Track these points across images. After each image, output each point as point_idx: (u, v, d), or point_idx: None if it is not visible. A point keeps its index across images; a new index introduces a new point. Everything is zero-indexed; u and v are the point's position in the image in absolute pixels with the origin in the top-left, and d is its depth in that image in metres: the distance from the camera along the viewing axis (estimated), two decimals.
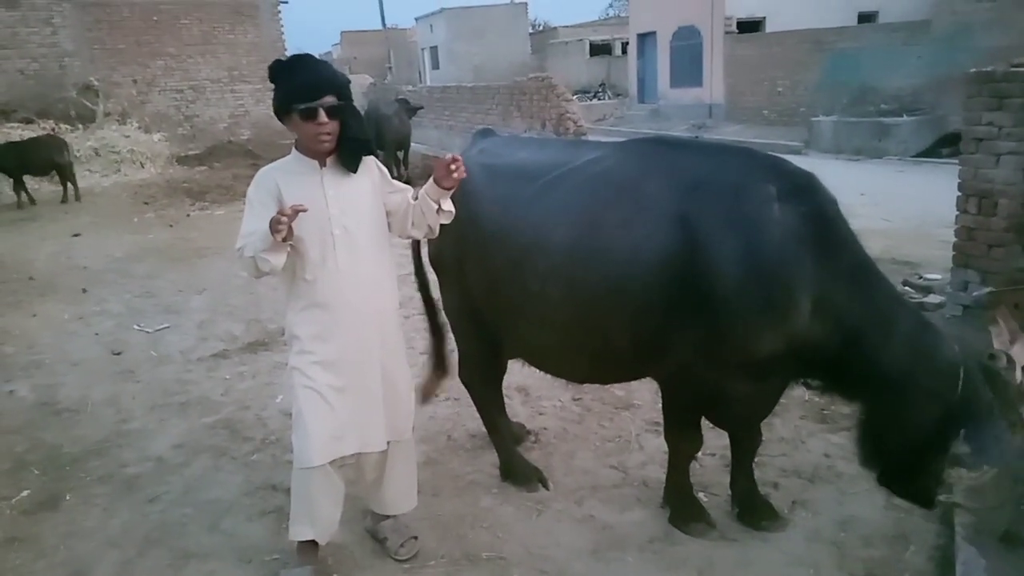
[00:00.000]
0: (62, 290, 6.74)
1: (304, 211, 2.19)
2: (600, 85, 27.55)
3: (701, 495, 2.93)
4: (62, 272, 7.44)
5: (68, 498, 3.22)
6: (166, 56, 18.54)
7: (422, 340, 4.89)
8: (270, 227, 2.15)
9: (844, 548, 2.63)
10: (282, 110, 2.37)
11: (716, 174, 2.33)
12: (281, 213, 2.14)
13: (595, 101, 24.92)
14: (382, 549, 2.74)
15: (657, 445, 3.36)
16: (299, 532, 2.53)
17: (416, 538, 2.75)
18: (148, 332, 5.46)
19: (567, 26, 34.15)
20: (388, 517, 2.77)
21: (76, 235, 9.33)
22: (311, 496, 2.49)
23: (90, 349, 5.15)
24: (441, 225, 2.50)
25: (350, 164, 2.43)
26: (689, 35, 19.72)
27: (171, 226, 9.76)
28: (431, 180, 2.41)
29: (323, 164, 2.42)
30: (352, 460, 2.60)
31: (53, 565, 2.76)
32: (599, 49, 29.86)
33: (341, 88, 2.36)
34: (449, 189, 2.39)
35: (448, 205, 2.45)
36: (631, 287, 2.33)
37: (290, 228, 2.17)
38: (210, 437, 3.73)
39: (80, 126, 16.39)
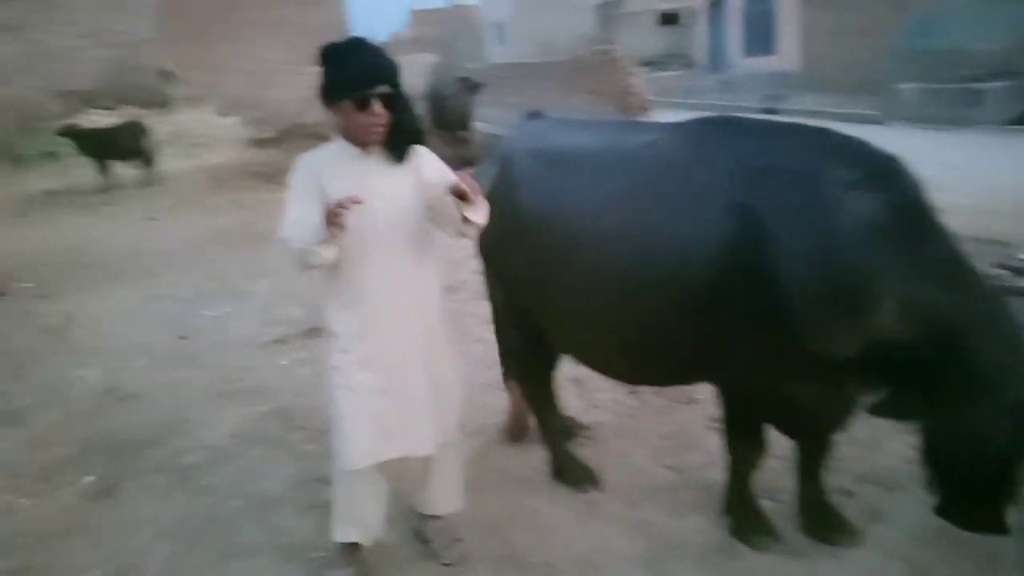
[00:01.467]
0: (135, 273, 6.95)
1: (360, 203, 2.07)
2: (669, 55, 26.71)
3: (765, 501, 2.74)
4: (136, 255, 7.67)
5: (126, 486, 3.27)
6: (239, 39, 18.90)
7: (477, 326, 4.82)
8: (327, 219, 2.04)
9: (925, 567, 2.40)
10: (331, 98, 2.24)
11: (783, 159, 2.10)
12: (339, 204, 2.01)
13: (663, 72, 24.16)
14: (427, 551, 2.67)
15: (719, 444, 3.16)
16: (342, 533, 2.49)
17: (461, 540, 2.66)
18: (213, 316, 5.56)
19: None
20: (434, 517, 2.69)
21: (151, 218, 9.66)
22: (353, 498, 2.43)
23: (157, 334, 5.27)
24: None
25: (398, 155, 2.31)
26: (763, 0, 18.83)
27: (242, 209, 9.97)
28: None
29: (367, 152, 2.31)
30: (397, 459, 2.52)
31: (107, 556, 2.80)
32: (668, 18, 28.88)
33: (395, 76, 2.23)
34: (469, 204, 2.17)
35: (475, 216, 2.23)
36: (684, 285, 2.15)
37: None
38: (265, 426, 3.74)
39: (157, 111, 16.97)
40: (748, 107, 15.59)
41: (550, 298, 2.58)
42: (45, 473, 3.42)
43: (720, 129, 2.31)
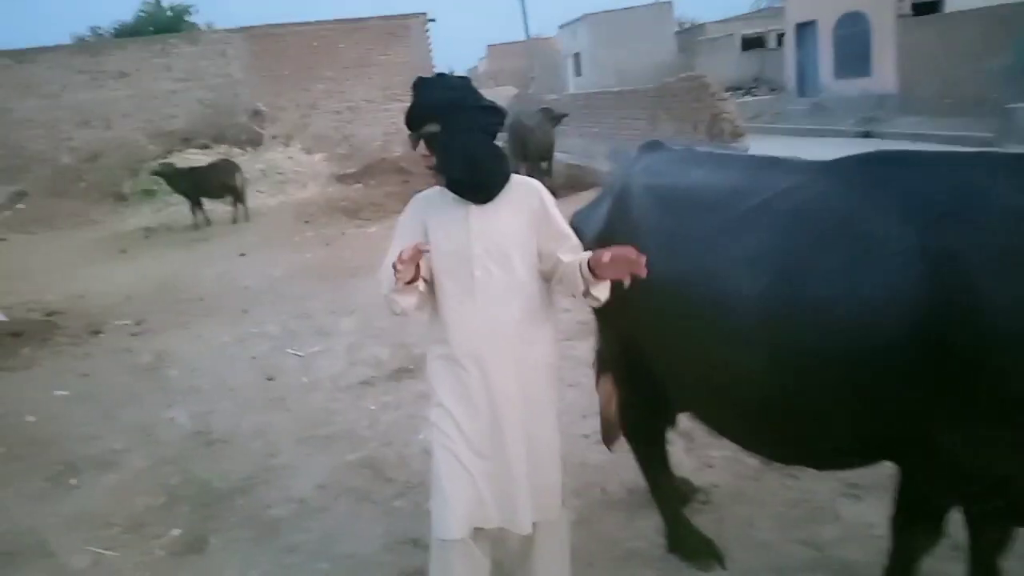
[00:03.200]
0: (225, 310, 7.04)
1: (426, 251, 2.00)
2: (753, 80, 26.08)
3: None
4: (227, 292, 7.81)
5: (213, 541, 3.14)
6: (325, 79, 19.54)
7: (572, 369, 4.53)
8: (394, 270, 1.96)
9: None
10: None
11: (972, 194, 1.74)
12: (400, 257, 1.93)
13: (748, 98, 23.55)
14: None
15: (858, 515, 2.78)
16: None
17: None
18: (300, 356, 5.50)
19: (716, 21, 32.67)
20: None
21: (242, 255, 9.86)
22: (449, 572, 2.19)
23: (246, 374, 5.24)
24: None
25: (470, 198, 2.11)
26: (855, 22, 18.06)
27: (327, 244, 10.08)
28: (589, 256, 2.01)
29: None
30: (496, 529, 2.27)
31: None
32: (751, 43, 28.30)
33: (447, 112, 2.06)
34: (602, 279, 2.00)
35: (600, 293, 2.05)
36: (859, 354, 1.78)
37: (417, 269, 2.01)
38: (353, 477, 3.56)
39: (250, 149, 17.65)
40: (843, 130, 14.91)
41: (677, 357, 2.27)
42: (133, 524, 3.34)
43: (889, 166, 1.94)
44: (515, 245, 2.14)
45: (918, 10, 16.95)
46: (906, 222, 1.75)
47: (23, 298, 8.00)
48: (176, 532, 3.24)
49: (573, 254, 2.12)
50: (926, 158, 1.92)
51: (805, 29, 20.31)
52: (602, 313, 2.66)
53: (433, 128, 2.05)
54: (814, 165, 2.08)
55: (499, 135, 2.25)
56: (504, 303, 2.12)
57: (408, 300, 2.09)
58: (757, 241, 1.97)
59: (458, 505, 2.10)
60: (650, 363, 2.47)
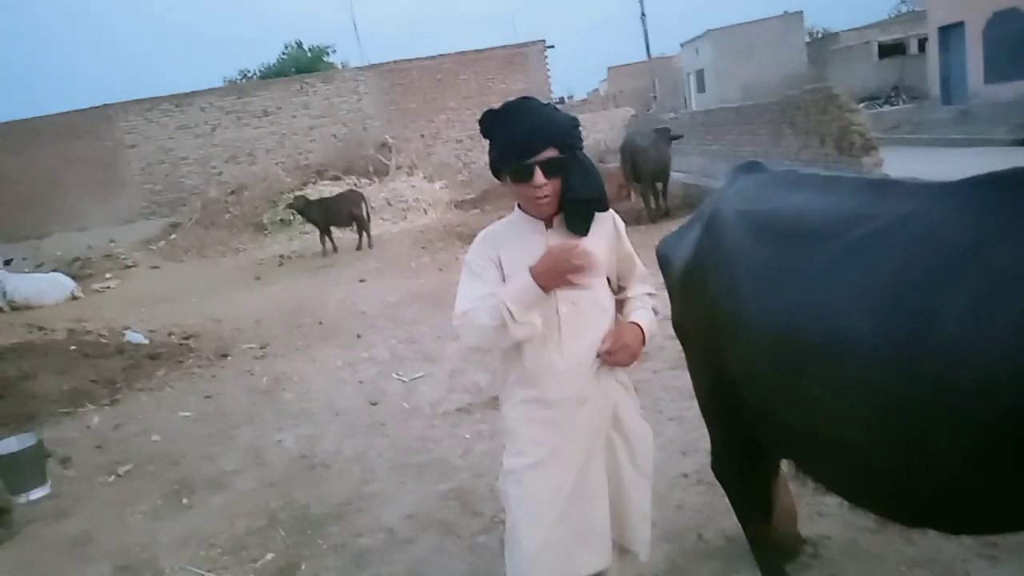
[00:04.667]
0: (341, 335, 7.30)
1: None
2: (892, 89, 24.41)
3: None
4: (344, 317, 8.11)
5: (303, 568, 3.18)
6: (448, 110, 20.25)
7: (672, 402, 4.32)
8: (558, 270, 1.80)
9: None
10: (495, 170, 2.06)
11: None
12: (566, 251, 1.79)
13: (886, 107, 22.03)
14: None
15: None
16: None
17: None
18: (404, 381, 5.58)
19: (850, 29, 30.91)
20: None
21: (362, 280, 10.26)
22: None
23: (353, 398, 5.37)
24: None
25: (578, 228, 2.02)
26: (1010, 20, 16.48)
27: (441, 270, 10.29)
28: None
29: (549, 225, 2.05)
30: None
31: None
32: (890, 50, 26.55)
33: (562, 138, 1.96)
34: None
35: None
36: (1000, 404, 1.48)
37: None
38: (441, 509, 3.52)
39: (376, 179, 18.49)
40: (996, 140, 13.60)
41: (776, 408, 2.00)
42: (234, 546, 3.45)
43: (1015, 188, 1.61)
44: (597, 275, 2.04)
45: None
46: None
47: (165, 322, 8.71)
48: (270, 556, 3.31)
49: (640, 285, 2.16)
50: None
51: (950, 31, 18.79)
52: (692, 346, 2.49)
53: (551, 153, 1.94)
54: (937, 187, 1.77)
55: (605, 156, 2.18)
56: (589, 338, 2.03)
57: (538, 318, 1.92)
58: (872, 275, 1.69)
59: (533, 560, 1.98)
60: (746, 404, 2.25)
